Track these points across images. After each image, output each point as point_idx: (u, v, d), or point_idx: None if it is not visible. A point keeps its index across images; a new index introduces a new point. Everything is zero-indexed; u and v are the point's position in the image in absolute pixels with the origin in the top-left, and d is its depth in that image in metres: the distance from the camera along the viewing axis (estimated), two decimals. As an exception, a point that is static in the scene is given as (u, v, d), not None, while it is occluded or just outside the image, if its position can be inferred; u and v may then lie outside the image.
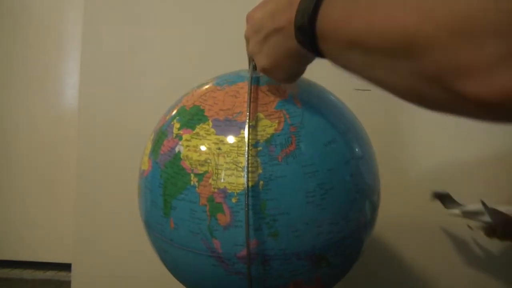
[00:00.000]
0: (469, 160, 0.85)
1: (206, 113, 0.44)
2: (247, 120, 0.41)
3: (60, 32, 1.11)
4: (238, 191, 0.40)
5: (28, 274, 1.15)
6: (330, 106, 0.48)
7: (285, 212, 0.40)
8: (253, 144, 0.41)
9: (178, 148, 0.44)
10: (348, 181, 0.43)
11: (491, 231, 0.66)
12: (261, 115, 0.43)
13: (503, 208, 0.63)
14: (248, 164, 0.40)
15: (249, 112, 0.42)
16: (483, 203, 0.63)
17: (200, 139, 0.43)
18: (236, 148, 0.41)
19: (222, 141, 0.42)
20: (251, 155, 0.41)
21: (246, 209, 0.39)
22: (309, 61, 0.41)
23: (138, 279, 0.95)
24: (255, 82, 0.46)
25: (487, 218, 0.64)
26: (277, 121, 0.42)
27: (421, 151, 0.85)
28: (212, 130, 0.43)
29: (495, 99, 0.23)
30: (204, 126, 0.43)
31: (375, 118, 0.83)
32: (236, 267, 0.42)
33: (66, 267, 1.09)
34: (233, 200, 0.40)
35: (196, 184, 0.41)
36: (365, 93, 0.83)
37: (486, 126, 0.82)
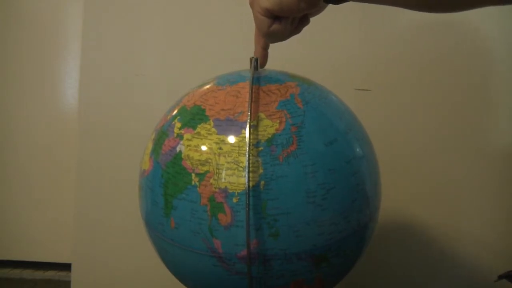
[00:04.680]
0: (470, 160, 0.85)
1: (207, 113, 0.44)
2: (248, 120, 0.41)
3: (60, 32, 1.10)
4: (239, 191, 0.40)
5: (28, 274, 1.15)
6: (331, 106, 0.48)
7: (286, 212, 0.40)
8: (254, 144, 0.41)
9: (179, 148, 0.44)
10: (349, 181, 0.43)
11: None
12: (262, 115, 0.43)
13: None
14: (249, 164, 0.40)
15: (250, 112, 0.42)
16: None
17: (201, 139, 0.43)
18: (237, 148, 0.41)
19: (223, 141, 0.42)
20: (252, 155, 0.41)
21: (247, 209, 0.39)
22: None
23: (138, 279, 0.95)
24: (256, 82, 0.46)
25: None
26: (278, 121, 0.42)
27: (421, 151, 0.85)
28: (213, 130, 0.43)
29: None
30: (205, 125, 0.43)
31: (375, 118, 0.83)
32: (236, 267, 0.41)
33: (66, 267, 1.09)
34: (234, 200, 0.40)
35: (197, 183, 0.41)
36: (366, 93, 0.84)
37: (486, 126, 0.82)
